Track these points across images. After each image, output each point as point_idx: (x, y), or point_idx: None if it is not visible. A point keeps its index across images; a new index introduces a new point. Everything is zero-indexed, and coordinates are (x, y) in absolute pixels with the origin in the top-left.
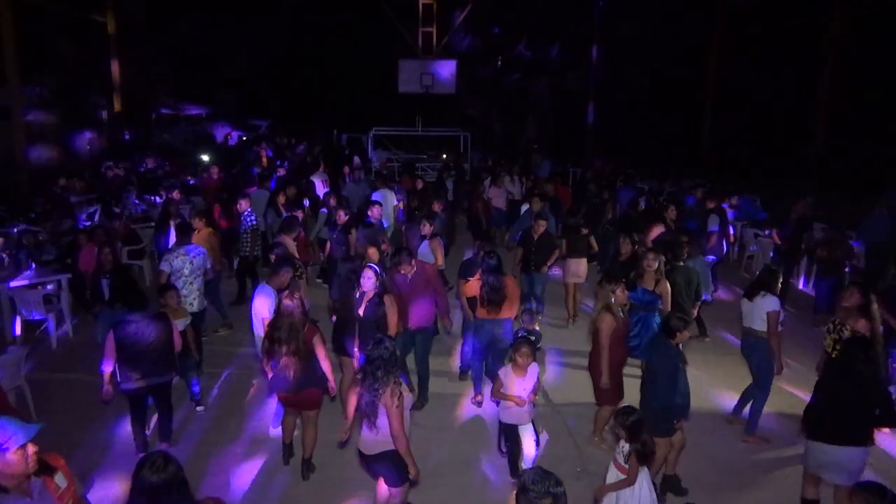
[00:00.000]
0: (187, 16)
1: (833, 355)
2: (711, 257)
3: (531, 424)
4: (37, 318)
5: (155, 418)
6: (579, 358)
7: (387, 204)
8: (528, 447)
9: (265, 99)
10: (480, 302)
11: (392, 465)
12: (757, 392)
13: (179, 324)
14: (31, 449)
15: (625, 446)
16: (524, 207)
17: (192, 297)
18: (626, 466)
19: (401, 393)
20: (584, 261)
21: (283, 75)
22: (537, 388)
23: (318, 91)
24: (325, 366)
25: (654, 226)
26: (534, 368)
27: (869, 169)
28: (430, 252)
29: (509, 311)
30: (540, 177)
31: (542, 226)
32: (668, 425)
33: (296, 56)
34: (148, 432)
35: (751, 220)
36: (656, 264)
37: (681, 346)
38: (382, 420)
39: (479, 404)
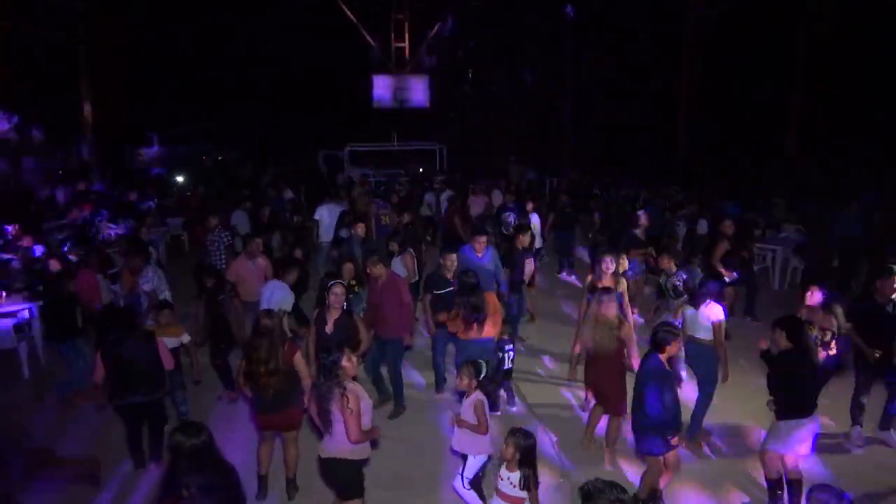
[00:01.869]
0: (157, 39)
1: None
2: None
3: (464, 457)
4: (8, 346)
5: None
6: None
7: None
8: (465, 471)
9: (240, 118)
10: (464, 323)
11: (344, 475)
12: (699, 397)
13: (174, 341)
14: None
15: (510, 475)
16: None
17: None
18: (521, 496)
19: (350, 397)
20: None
21: (256, 95)
22: (480, 418)
23: (292, 109)
24: (306, 383)
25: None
26: (472, 398)
27: (842, 172)
28: (402, 266)
29: (492, 330)
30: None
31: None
32: (658, 443)
33: (267, 74)
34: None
35: None
36: (613, 265)
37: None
38: (339, 427)
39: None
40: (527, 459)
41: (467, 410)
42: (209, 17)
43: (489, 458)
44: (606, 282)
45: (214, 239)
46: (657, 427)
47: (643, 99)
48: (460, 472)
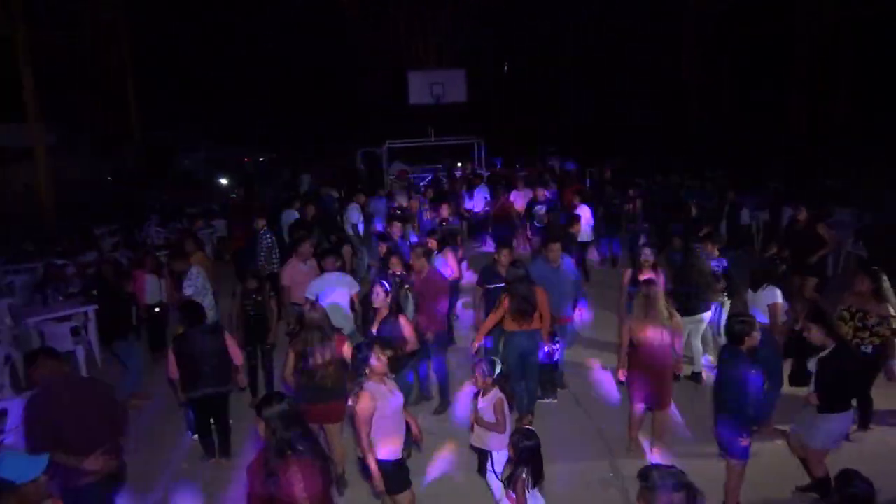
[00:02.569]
0: (195, 46)
1: (853, 343)
2: None
3: (489, 454)
4: (66, 349)
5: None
6: (606, 359)
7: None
8: (493, 466)
9: (277, 121)
10: (510, 314)
11: (383, 474)
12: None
13: None
14: (43, 479)
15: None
16: (540, 207)
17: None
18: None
19: (360, 396)
20: None
21: (291, 96)
22: (499, 417)
23: (329, 109)
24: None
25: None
26: (491, 395)
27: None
28: (444, 262)
29: (538, 323)
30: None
31: None
32: (745, 448)
33: (303, 76)
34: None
35: None
36: (653, 258)
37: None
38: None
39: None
40: (525, 459)
41: (487, 409)
42: (245, 21)
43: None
44: (647, 274)
45: (259, 240)
46: (753, 423)
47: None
48: (490, 467)
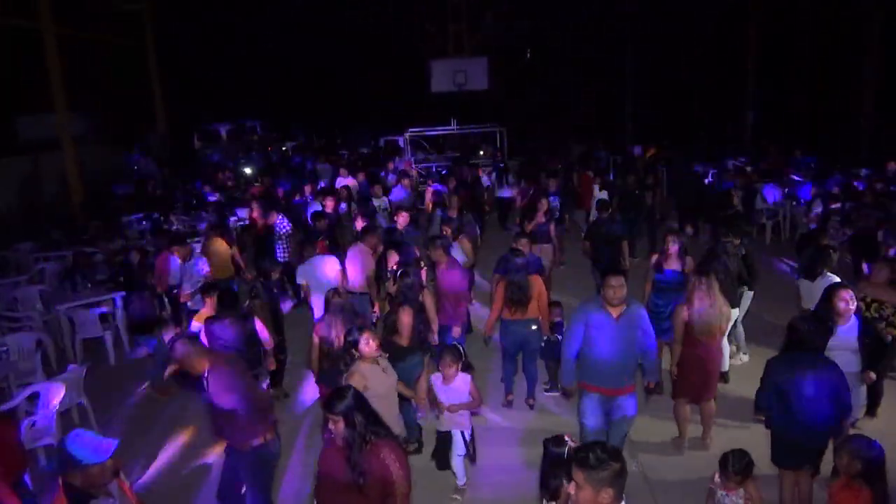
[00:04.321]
0: (222, 32)
1: None
2: None
3: (460, 433)
4: (94, 335)
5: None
6: None
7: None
8: (458, 450)
9: (299, 108)
10: (505, 302)
11: None
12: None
13: None
14: (109, 462)
15: None
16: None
17: None
18: None
19: (351, 376)
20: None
21: (315, 83)
22: (474, 398)
23: (352, 97)
24: None
25: None
26: (463, 378)
27: None
28: (460, 251)
29: (535, 312)
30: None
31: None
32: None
33: (327, 64)
34: None
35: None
36: (677, 246)
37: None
38: None
39: (510, 404)
40: (561, 465)
41: (457, 391)
42: (262, 12)
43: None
44: (672, 263)
45: (276, 230)
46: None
47: (707, 69)
48: (460, 453)
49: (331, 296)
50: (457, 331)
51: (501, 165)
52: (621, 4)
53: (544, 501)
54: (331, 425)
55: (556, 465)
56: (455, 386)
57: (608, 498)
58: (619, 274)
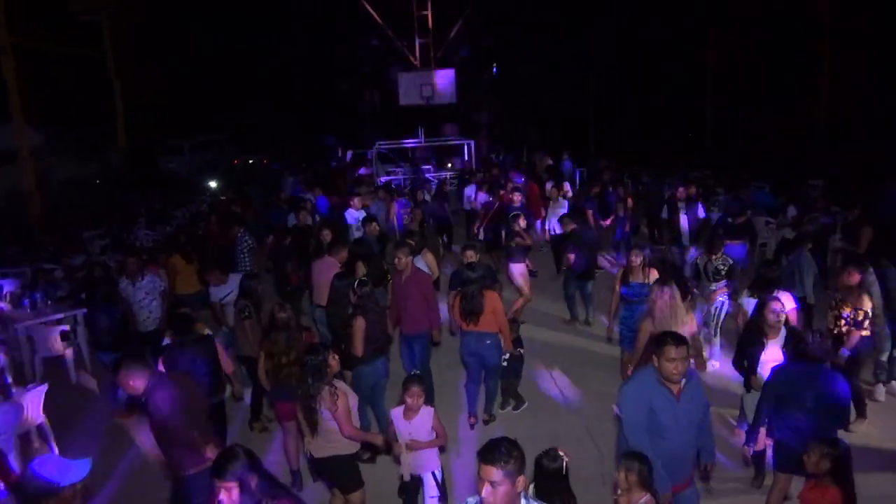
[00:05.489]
0: (183, 42)
1: (836, 332)
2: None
3: (430, 474)
4: (56, 353)
5: None
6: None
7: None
8: (430, 492)
9: (265, 121)
10: (459, 313)
11: (341, 470)
12: None
13: None
14: (80, 486)
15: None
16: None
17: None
18: None
19: (339, 394)
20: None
21: (281, 95)
22: (439, 435)
23: (319, 111)
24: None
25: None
26: (426, 412)
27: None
28: (424, 265)
29: (490, 326)
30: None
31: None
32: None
33: (295, 76)
34: None
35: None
36: (640, 259)
37: None
38: (331, 425)
39: (472, 426)
40: (552, 488)
41: (420, 428)
42: (228, 22)
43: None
44: (637, 276)
45: (239, 243)
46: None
47: (668, 84)
48: (433, 495)
49: (276, 310)
50: (437, 335)
51: (468, 177)
52: (587, 24)
53: None
54: (222, 495)
55: (554, 480)
56: (417, 421)
57: (523, 484)
58: (682, 343)
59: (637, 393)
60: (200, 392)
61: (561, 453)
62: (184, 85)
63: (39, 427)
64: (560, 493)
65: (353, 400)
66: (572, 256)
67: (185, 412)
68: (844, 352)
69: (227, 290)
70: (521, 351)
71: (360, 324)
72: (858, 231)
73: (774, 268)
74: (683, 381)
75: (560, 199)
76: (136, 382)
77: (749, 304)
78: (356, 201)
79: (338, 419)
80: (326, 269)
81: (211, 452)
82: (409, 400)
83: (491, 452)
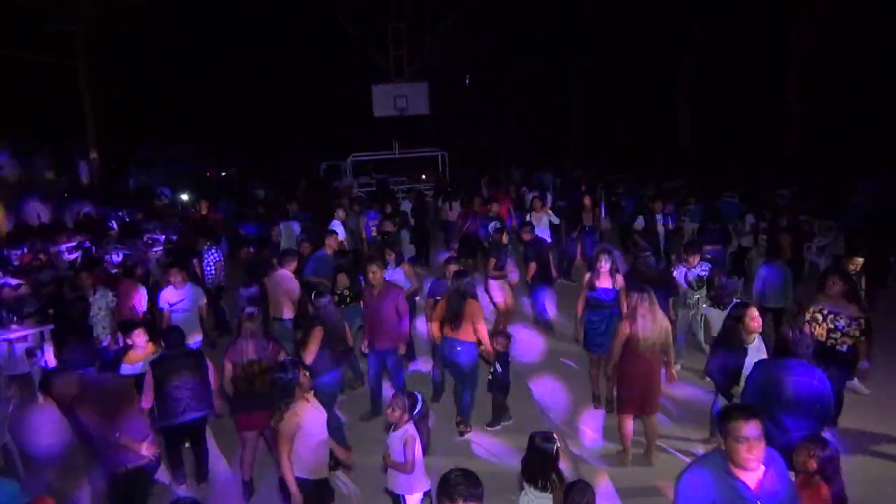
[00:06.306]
0: (156, 56)
1: (829, 344)
2: None
3: (401, 498)
4: (22, 371)
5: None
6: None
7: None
8: None
9: (239, 132)
10: (439, 318)
11: (308, 494)
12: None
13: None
14: None
15: None
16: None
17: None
18: None
19: (288, 414)
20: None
21: (254, 109)
22: (406, 462)
23: (294, 122)
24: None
25: None
26: (401, 433)
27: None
28: (404, 278)
29: (467, 334)
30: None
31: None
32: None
33: (267, 88)
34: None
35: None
36: (608, 265)
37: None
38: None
39: (462, 434)
40: (541, 467)
41: (395, 445)
42: (204, 30)
43: (426, 494)
44: (604, 281)
45: (207, 256)
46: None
47: (643, 92)
48: None
49: (244, 319)
50: (402, 348)
51: (450, 189)
52: (561, 35)
53: (527, 487)
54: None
55: (543, 459)
56: (393, 436)
57: None
58: (754, 417)
59: (698, 484)
60: (129, 395)
61: (556, 437)
62: (158, 94)
63: (4, 448)
64: (547, 474)
65: (313, 421)
66: (533, 266)
67: (106, 415)
68: (864, 364)
69: (178, 298)
70: (500, 368)
71: (316, 333)
72: (780, 238)
73: (734, 281)
74: (762, 468)
75: (542, 214)
76: (65, 393)
77: (709, 312)
78: (341, 213)
79: (276, 440)
80: (282, 282)
81: (147, 450)
82: (388, 412)
83: (450, 485)
